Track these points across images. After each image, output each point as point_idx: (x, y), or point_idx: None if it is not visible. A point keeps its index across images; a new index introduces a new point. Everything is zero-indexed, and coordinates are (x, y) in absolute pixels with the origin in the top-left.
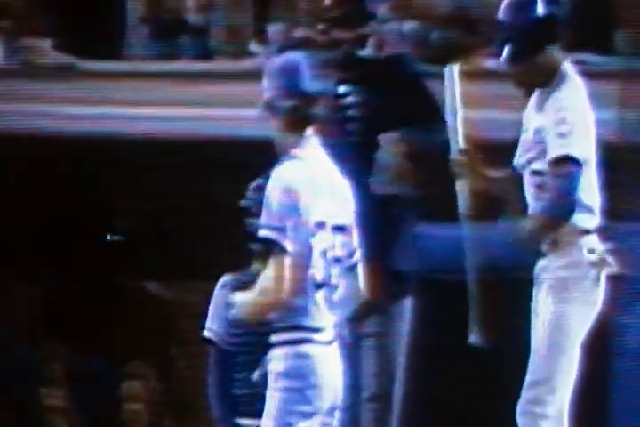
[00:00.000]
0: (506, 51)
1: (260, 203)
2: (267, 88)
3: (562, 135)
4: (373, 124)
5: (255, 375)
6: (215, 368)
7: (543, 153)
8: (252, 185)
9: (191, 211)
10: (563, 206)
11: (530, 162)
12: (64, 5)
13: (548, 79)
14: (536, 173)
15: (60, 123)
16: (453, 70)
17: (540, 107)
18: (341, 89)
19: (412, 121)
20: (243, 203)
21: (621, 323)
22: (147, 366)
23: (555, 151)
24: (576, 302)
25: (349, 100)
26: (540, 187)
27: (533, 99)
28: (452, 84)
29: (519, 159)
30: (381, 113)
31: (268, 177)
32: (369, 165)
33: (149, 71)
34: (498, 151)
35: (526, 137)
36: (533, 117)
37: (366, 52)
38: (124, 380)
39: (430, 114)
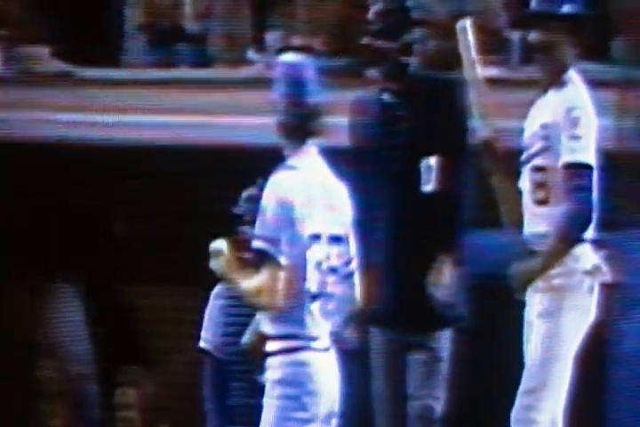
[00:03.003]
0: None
1: (252, 212)
2: (275, 93)
3: (576, 138)
4: (414, 138)
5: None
6: (210, 378)
7: (548, 149)
8: (244, 195)
9: (190, 217)
10: (582, 219)
11: (532, 157)
12: (62, 13)
13: (556, 78)
14: (538, 169)
15: (59, 130)
16: (466, 25)
17: (549, 103)
18: (387, 98)
19: (445, 148)
20: (235, 212)
21: (618, 330)
22: (141, 373)
23: (569, 156)
24: (570, 311)
25: (395, 112)
26: (539, 185)
27: (540, 99)
28: (466, 40)
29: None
30: (423, 129)
31: (259, 187)
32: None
33: (147, 79)
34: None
35: (529, 133)
36: (539, 113)
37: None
38: (117, 387)
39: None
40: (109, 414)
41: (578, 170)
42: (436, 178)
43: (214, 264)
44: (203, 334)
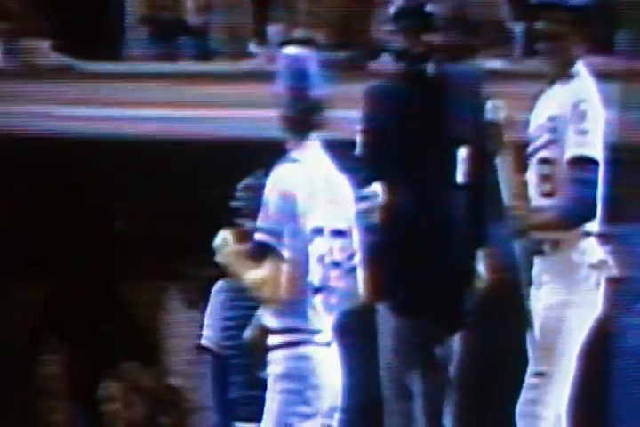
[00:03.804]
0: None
1: (249, 202)
2: (277, 85)
3: (583, 132)
4: (438, 129)
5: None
6: (212, 375)
7: (555, 141)
8: (241, 184)
9: (191, 212)
10: (582, 211)
11: (538, 149)
12: (63, 6)
13: (563, 70)
14: (544, 161)
15: (59, 124)
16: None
17: (556, 96)
18: (408, 89)
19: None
20: (233, 204)
21: (621, 322)
22: (139, 369)
23: (575, 149)
24: (576, 305)
25: (417, 104)
26: (545, 177)
27: (546, 92)
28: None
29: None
30: (446, 120)
31: (257, 176)
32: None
33: (148, 72)
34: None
35: (535, 125)
36: (546, 106)
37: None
38: (101, 380)
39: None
40: (95, 407)
41: (583, 164)
42: (465, 169)
43: (219, 256)
44: (204, 330)
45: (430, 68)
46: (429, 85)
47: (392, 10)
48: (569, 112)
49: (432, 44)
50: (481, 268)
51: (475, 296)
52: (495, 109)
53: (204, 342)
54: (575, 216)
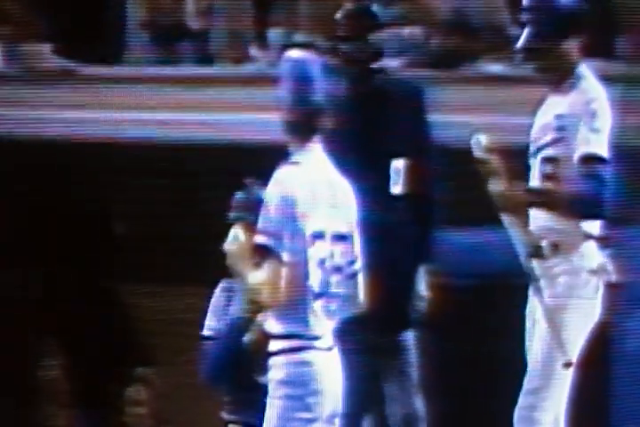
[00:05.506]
0: (525, 34)
1: (244, 215)
2: (280, 89)
3: (595, 131)
4: (379, 140)
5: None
6: (216, 360)
7: (561, 140)
8: (234, 200)
9: (193, 215)
10: (591, 206)
11: (541, 149)
12: (63, 10)
13: (566, 75)
14: (548, 160)
15: (61, 128)
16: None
17: (564, 96)
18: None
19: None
20: (229, 216)
21: (622, 329)
22: (151, 374)
23: (588, 147)
24: (575, 310)
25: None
26: (548, 176)
27: (551, 95)
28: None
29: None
30: (387, 131)
31: (248, 191)
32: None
33: (149, 76)
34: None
35: (539, 125)
36: (553, 107)
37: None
38: (129, 384)
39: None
40: (119, 409)
41: (595, 162)
42: (405, 181)
43: (229, 257)
44: (207, 322)
45: (376, 77)
46: (373, 91)
47: (339, 13)
48: (581, 111)
49: (377, 51)
50: (422, 286)
51: (418, 311)
52: (479, 146)
53: (207, 332)
54: (584, 210)
